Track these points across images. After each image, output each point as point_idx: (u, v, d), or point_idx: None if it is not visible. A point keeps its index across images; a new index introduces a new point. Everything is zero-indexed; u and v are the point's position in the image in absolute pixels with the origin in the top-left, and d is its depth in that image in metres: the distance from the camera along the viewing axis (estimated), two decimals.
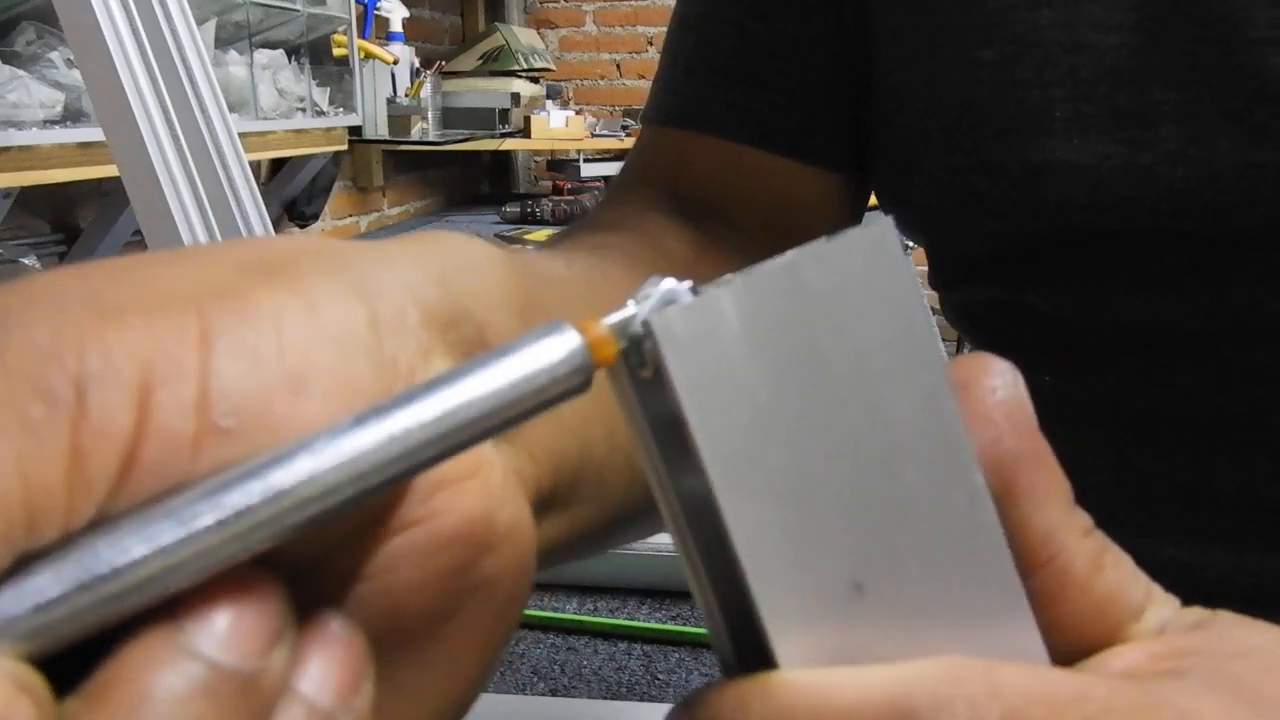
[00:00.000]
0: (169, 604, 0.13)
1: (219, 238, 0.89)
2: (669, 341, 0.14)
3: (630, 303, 0.15)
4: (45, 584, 0.12)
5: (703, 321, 0.15)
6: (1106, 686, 0.15)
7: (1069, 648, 0.17)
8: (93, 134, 1.37)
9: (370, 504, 0.15)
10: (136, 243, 1.69)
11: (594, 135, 3.11)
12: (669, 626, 0.63)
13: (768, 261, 0.15)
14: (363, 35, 2.42)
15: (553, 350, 0.14)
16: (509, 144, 2.86)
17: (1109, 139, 0.34)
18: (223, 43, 1.89)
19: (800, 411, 0.15)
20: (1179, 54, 0.32)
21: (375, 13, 2.54)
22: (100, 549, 0.13)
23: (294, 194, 2.20)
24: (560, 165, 3.17)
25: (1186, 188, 0.33)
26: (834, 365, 0.15)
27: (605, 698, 0.56)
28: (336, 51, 2.29)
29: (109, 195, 1.58)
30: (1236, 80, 0.32)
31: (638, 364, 0.15)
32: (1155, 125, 0.33)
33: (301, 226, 2.28)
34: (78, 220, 1.63)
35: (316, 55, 2.26)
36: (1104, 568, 0.17)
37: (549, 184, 3.14)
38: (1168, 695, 0.15)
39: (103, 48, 0.82)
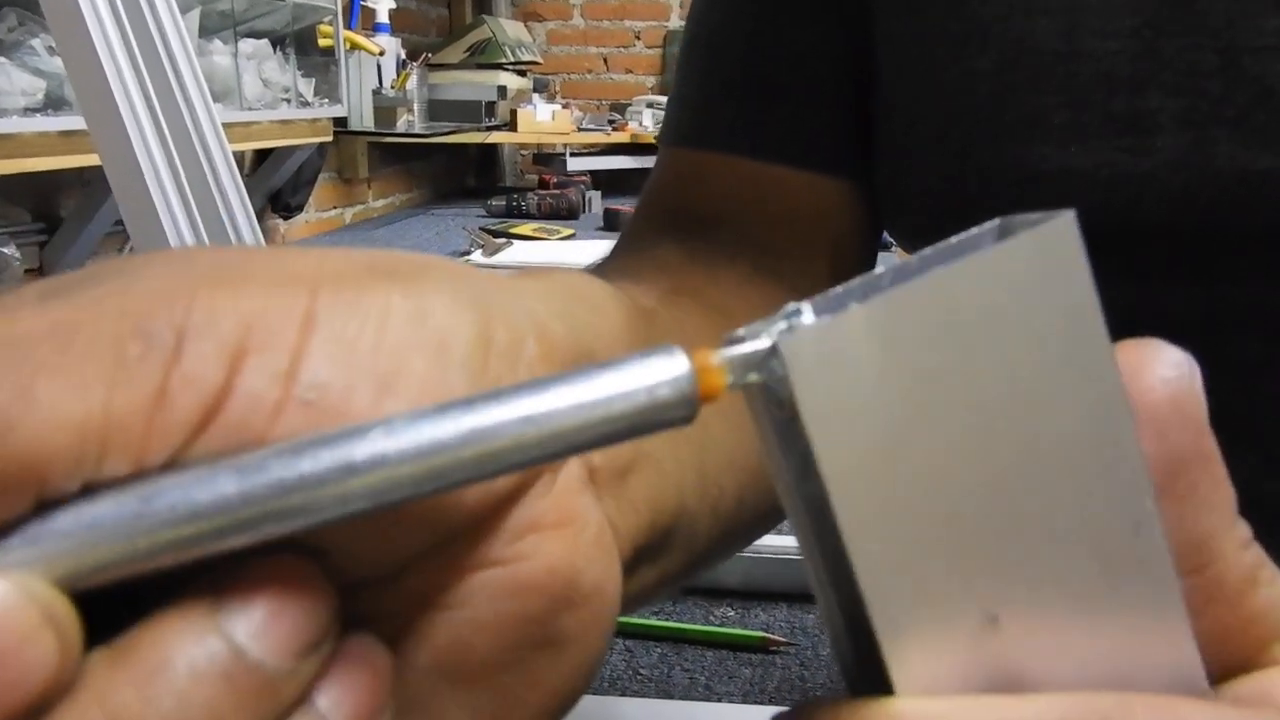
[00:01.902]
0: (216, 582, 0.13)
1: (202, 228, 0.88)
2: (797, 366, 0.13)
3: (741, 332, 0.14)
4: (102, 510, 0.12)
5: (835, 344, 0.14)
6: None
7: (1216, 662, 0.16)
8: (74, 122, 1.36)
9: (452, 522, 0.15)
10: (118, 233, 1.68)
11: (580, 129, 3.10)
12: (651, 621, 0.63)
13: (915, 279, 0.14)
14: (349, 26, 2.40)
15: (658, 372, 0.14)
16: (495, 137, 2.85)
17: (1107, 145, 0.34)
18: (207, 32, 1.88)
19: (941, 437, 0.14)
20: (1178, 60, 0.32)
21: (362, 4, 2.52)
22: (164, 489, 0.13)
23: (278, 185, 2.19)
24: (546, 159, 3.16)
25: (1186, 193, 0.33)
26: (985, 384, 0.14)
27: (588, 692, 0.56)
28: (322, 42, 2.28)
29: (90, 184, 1.57)
30: (1238, 87, 0.32)
31: (771, 399, 0.14)
32: (1154, 132, 0.33)
33: (286, 218, 2.27)
34: (59, 209, 1.62)
35: (302, 46, 2.24)
36: (1259, 584, 0.16)
37: (535, 177, 3.13)
38: None
39: (85, 35, 0.82)
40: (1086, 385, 0.14)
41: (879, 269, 0.14)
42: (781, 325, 0.14)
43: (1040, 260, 0.14)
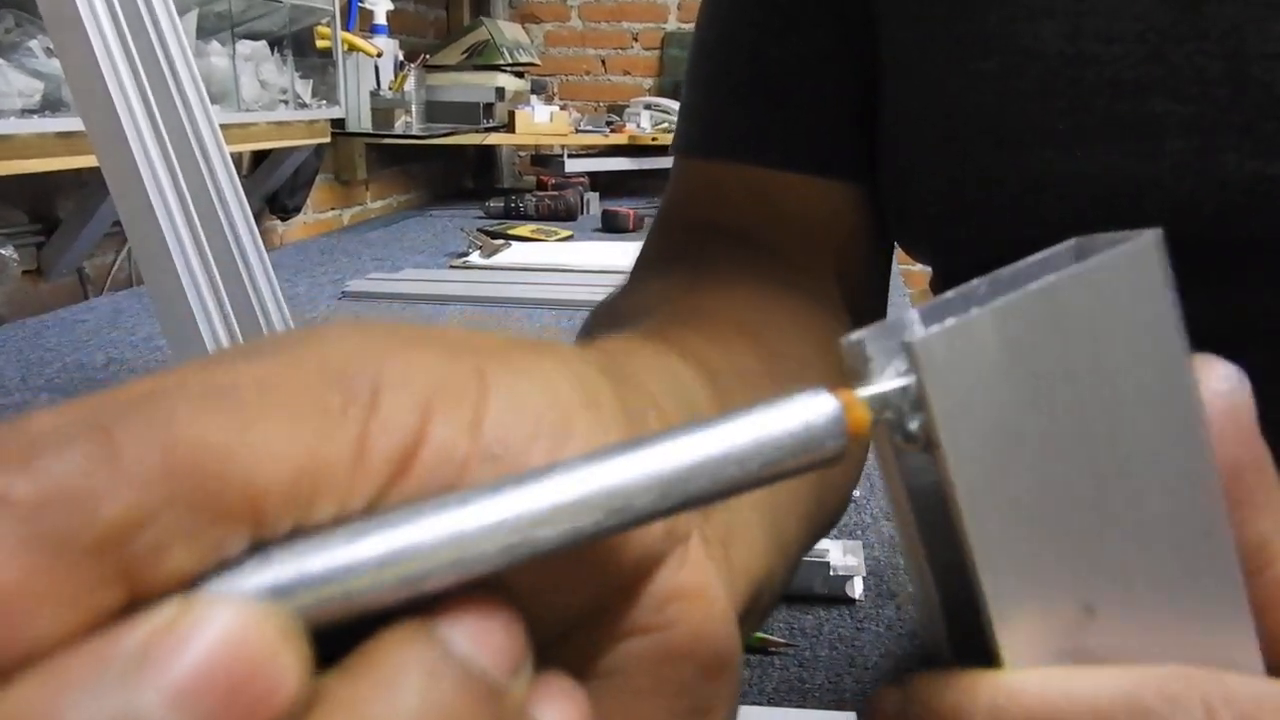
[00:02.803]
0: (424, 608, 0.14)
1: (200, 230, 0.88)
2: (930, 365, 0.15)
3: (865, 364, 0.15)
4: (318, 550, 0.13)
5: (962, 345, 0.15)
6: None
7: (1271, 661, 0.17)
8: (72, 124, 1.36)
9: (610, 579, 0.16)
10: (116, 234, 1.68)
11: (578, 131, 3.10)
12: None
13: (1030, 285, 0.15)
14: (346, 27, 2.40)
15: (810, 410, 0.14)
16: (493, 139, 2.85)
17: (1112, 150, 0.33)
18: (205, 33, 1.87)
19: (1047, 436, 0.15)
20: (1185, 66, 0.32)
21: (359, 5, 2.52)
22: (376, 528, 0.13)
23: (276, 186, 2.19)
24: (544, 160, 3.16)
25: (1192, 199, 0.33)
26: (1084, 388, 0.15)
27: None
28: (320, 43, 2.28)
29: (88, 186, 1.57)
30: (1246, 93, 0.32)
31: (899, 429, 0.15)
32: (1160, 137, 0.33)
33: (283, 219, 2.27)
34: (56, 211, 1.61)
35: (300, 47, 2.24)
36: None
37: (533, 179, 3.13)
38: None
39: (83, 36, 0.82)
40: (1169, 394, 0.16)
41: (974, 281, 0.16)
42: (907, 338, 0.15)
43: (1129, 276, 0.16)
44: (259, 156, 2.18)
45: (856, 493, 0.83)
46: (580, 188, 2.74)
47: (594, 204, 2.66)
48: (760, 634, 0.61)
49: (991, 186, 0.36)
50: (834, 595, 0.66)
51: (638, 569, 0.17)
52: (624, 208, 2.39)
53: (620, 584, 0.17)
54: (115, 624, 0.12)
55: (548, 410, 0.16)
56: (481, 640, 0.14)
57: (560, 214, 2.52)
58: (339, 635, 0.13)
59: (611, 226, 2.36)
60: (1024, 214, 0.35)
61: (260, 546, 0.13)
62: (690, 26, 2.85)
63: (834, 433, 0.14)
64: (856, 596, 0.67)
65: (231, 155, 0.94)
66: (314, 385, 0.14)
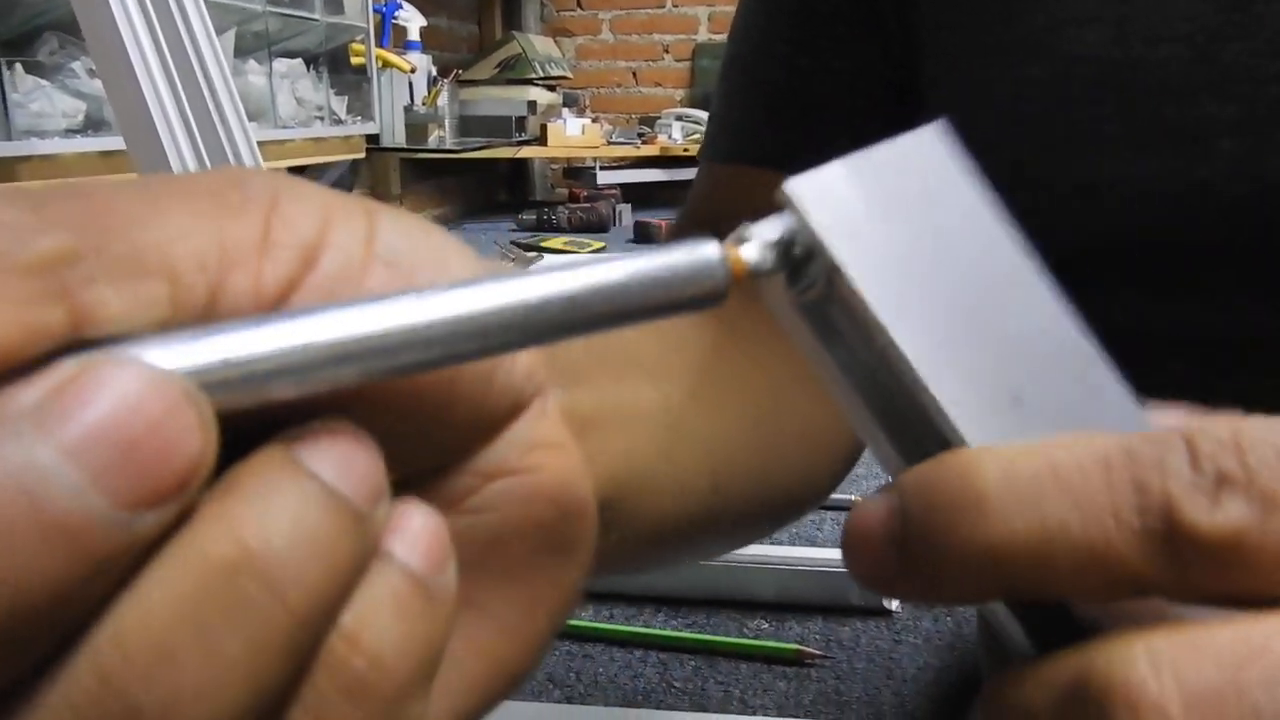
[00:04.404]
0: (289, 437, 0.14)
1: None
2: (804, 199, 0.17)
3: (748, 226, 0.17)
4: (223, 333, 0.13)
5: (826, 187, 0.17)
6: None
7: None
8: (114, 143, 1.38)
9: (477, 418, 0.17)
10: None
11: (610, 142, 3.11)
12: (684, 634, 0.63)
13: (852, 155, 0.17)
14: (380, 44, 2.43)
15: (693, 252, 0.16)
16: (525, 151, 2.87)
17: (1163, 154, 0.33)
18: (242, 52, 1.91)
19: (923, 260, 0.17)
20: (1234, 67, 0.32)
21: (393, 22, 2.55)
22: (277, 321, 0.14)
23: None
24: (576, 173, 3.18)
25: (1244, 202, 0.32)
26: (931, 235, 0.18)
27: (621, 705, 0.56)
28: (354, 60, 2.31)
29: None
30: None
31: (797, 286, 0.17)
32: (1211, 139, 0.32)
33: None
34: None
35: (335, 64, 2.27)
36: None
37: (565, 191, 3.15)
38: None
39: (124, 57, 0.83)
40: (993, 244, 0.18)
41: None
42: (782, 189, 0.17)
43: (920, 154, 0.18)
44: (295, 172, 2.21)
45: None
46: (612, 200, 2.74)
47: (626, 215, 2.66)
48: (797, 645, 0.60)
49: (1041, 191, 0.35)
50: (870, 607, 0.66)
51: (502, 406, 0.18)
52: (656, 219, 2.39)
53: (487, 422, 0.18)
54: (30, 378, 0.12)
55: (428, 239, 0.17)
56: (347, 469, 0.14)
57: (593, 226, 2.52)
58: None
59: (644, 238, 2.37)
60: (1074, 218, 0.35)
61: (171, 328, 0.13)
62: (721, 38, 2.85)
63: (714, 267, 0.16)
64: (893, 608, 0.66)
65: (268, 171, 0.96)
66: (217, 184, 0.15)
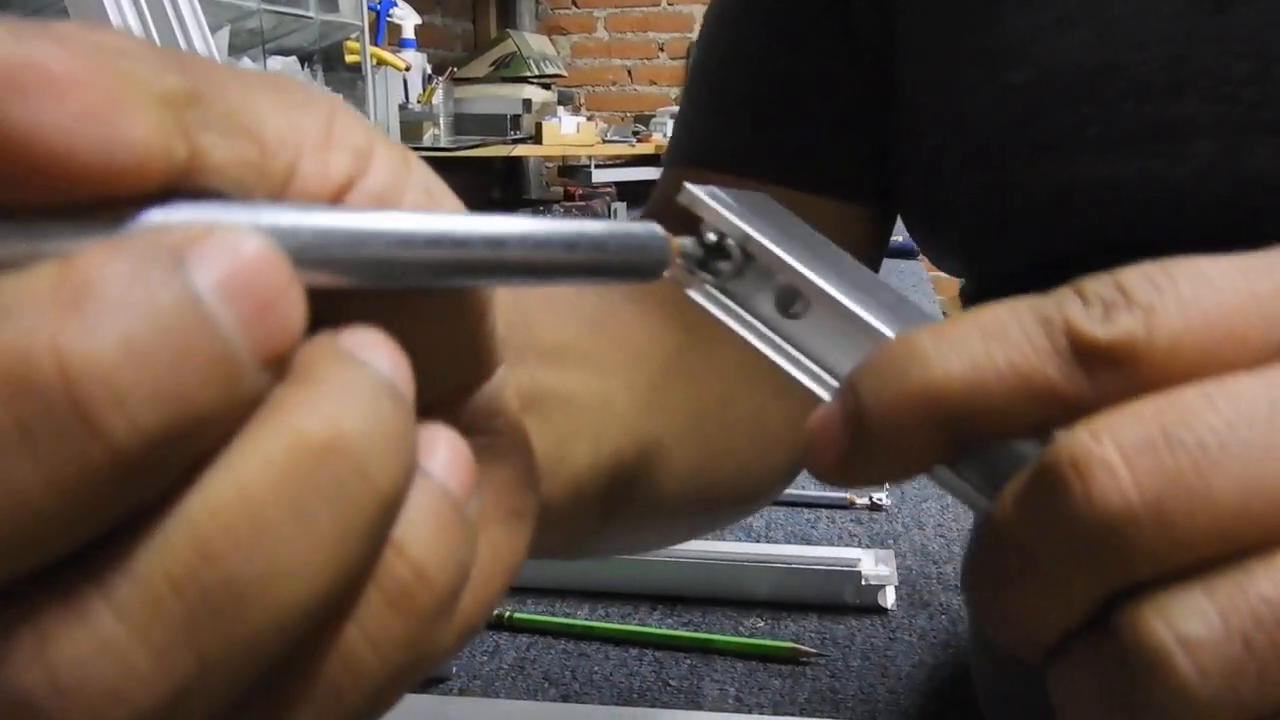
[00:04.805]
0: (332, 333, 0.15)
1: None
2: (710, 199, 0.21)
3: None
4: (309, 215, 0.14)
5: (714, 193, 0.21)
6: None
7: None
8: None
9: (463, 357, 0.19)
10: None
11: (605, 141, 3.11)
12: (680, 632, 0.63)
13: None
14: (375, 42, 2.43)
15: (640, 228, 0.19)
16: (520, 150, 2.87)
17: (1142, 154, 0.33)
18: (236, 50, 1.90)
19: (791, 231, 0.22)
20: (1212, 67, 0.32)
21: (387, 20, 2.55)
22: (350, 212, 0.15)
23: None
24: (572, 171, 3.18)
25: (1222, 201, 0.33)
26: (785, 221, 0.23)
27: (616, 704, 0.56)
28: (349, 58, 2.30)
29: None
30: (1273, 94, 0.31)
31: (723, 273, 0.21)
32: (1189, 139, 0.32)
33: None
34: None
35: (329, 62, 2.27)
36: None
37: (560, 190, 3.14)
38: None
39: None
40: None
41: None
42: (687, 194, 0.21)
43: (763, 198, 0.24)
44: None
45: (886, 501, 0.82)
46: (607, 198, 2.74)
47: (621, 214, 2.66)
48: (792, 644, 0.60)
49: (1023, 195, 0.36)
50: (866, 605, 0.66)
51: (486, 353, 0.19)
52: None
53: (474, 367, 0.19)
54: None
55: (444, 185, 0.18)
56: (399, 367, 0.15)
57: None
58: None
59: None
60: (1056, 221, 0.35)
61: (256, 199, 0.14)
62: None
63: (656, 243, 0.19)
64: (888, 606, 0.66)
65: None
66: (282, 81, 0.16)
